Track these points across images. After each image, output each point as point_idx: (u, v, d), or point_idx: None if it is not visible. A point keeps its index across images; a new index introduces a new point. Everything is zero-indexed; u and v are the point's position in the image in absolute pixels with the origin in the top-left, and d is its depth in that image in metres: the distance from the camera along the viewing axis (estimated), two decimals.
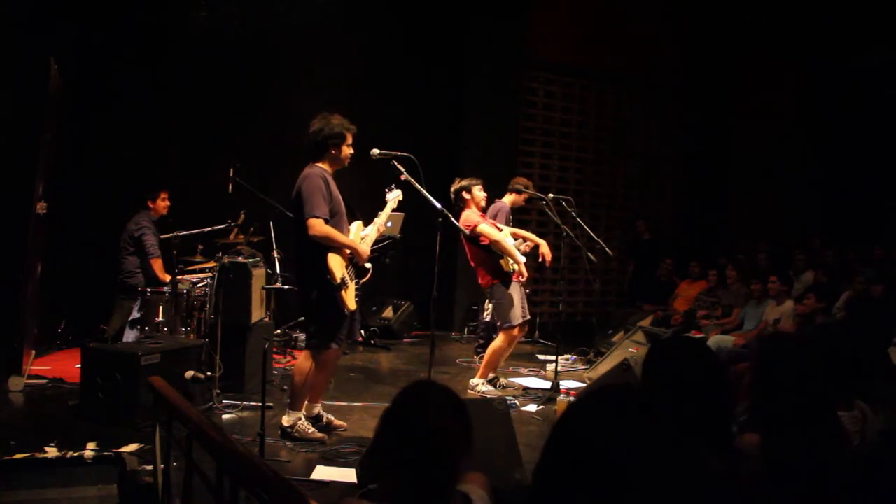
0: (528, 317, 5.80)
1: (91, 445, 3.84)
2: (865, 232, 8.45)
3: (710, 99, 10.40)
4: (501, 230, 5.67)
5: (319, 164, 4.31)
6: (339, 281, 4.13)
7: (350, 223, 4.47)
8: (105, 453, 3.52)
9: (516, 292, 5.63)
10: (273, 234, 6.61)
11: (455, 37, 8.81)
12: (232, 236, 6.14)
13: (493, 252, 5.59)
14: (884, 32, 8.59)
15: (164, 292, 5.71)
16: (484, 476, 1.76)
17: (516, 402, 5.36)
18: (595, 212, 10.00)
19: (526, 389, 5.94)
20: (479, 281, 5.73)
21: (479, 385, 5.71)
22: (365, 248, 4.41)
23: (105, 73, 7.01)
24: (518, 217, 6.94)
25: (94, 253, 6.71)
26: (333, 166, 4.37)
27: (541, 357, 7.35)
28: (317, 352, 4.27)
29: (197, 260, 6.11)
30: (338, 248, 4.21)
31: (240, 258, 5.46)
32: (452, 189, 5.80)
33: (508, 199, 6.14)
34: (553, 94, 9.71)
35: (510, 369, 6.71)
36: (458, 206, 5.76)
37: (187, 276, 5.90)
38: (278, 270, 6.41)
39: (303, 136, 4.39)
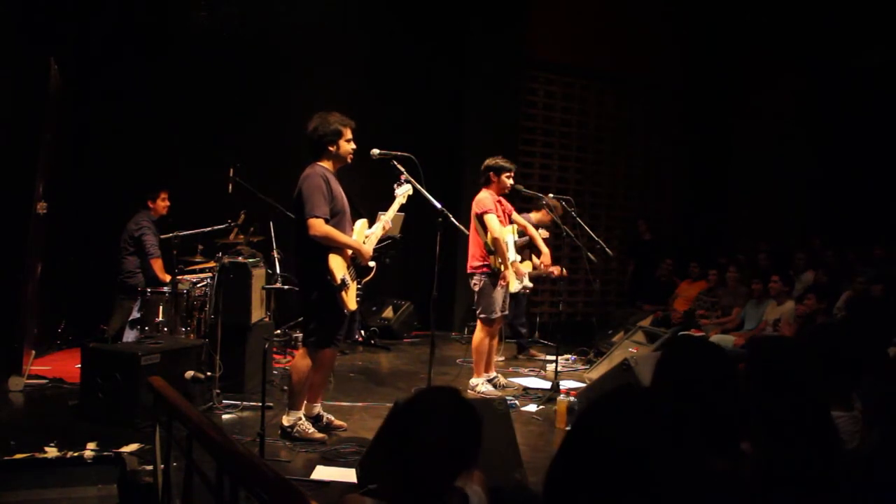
0: (506, 311, 5.84)
1: (91, 445, 3.84)
2: (865, 232, 8.45)
3: (710, 99, 10.40)
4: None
5: (321, 163, 4.29)
6: (339, 282, 4.11)
7: (355, 221, 4.45)
8: (105, 453, 3.53)
9: (500, 288, 5.65)
10: (273, 234, 6.60)
11: (455, 37, 8.81)
12: (232, 236, 6.14)
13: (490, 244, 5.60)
14: (884, 32, 8.59)
15: (164, 292, 5.70)
16: (481, 473, 1.76)
17: (516, 402, 5.36)
18: (595, 212, 10.00)
19: (526, 389, 5.94)
20: (469, 262, 5.72)
21: (479, 385, 5.71)
22: (368, 248, 4.38)
23: (105, 73, 7.01)
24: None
25: (94, 253, 6.71)
26: (336, 164, 4.35)
27: (540, 357, 7.34)
28: (314, 350, 4.27)
29: (197, 260, 6.11)
30: (339, 248, 4.20)
31: (240, 258, 5.46)
32: (486, 163, 5.78)
33: (535, 216, 6.22)
34: (553, 94, 9.71)
35: (510, 369, 6.71)
36: (481, 179, 5.77)
37: (187, 276, 5.90)
38: (278, 270, 6.41)
39: (303, 136, 4.38)
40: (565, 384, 5.91)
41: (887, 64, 8.60)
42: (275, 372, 5.93)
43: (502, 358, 7.07)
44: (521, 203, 8.51)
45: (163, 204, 6.36)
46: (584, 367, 6.95)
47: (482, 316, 5.65)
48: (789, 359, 1.92)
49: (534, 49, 9.19)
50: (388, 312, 8.23)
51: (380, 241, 4.69)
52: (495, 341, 6.04)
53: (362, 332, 7.78)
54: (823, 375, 1.93)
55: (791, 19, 9.41)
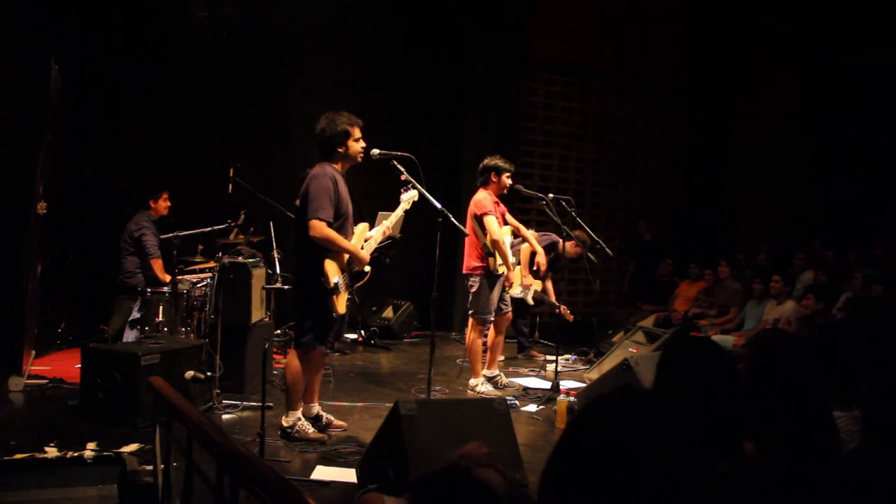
0: (504, 309, 5.85)
1: (91, 445, 3.84)
2: (865, 232, 8.46)
3: (710, 99, 10.40)
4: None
5: (330, 164, 4.28)
6: (332, 285, 4.11)
7: (356, 224, 4.45)
8: (105, 453, 3.54)
9: (496, 289, 5.66)
10: (273, 234, 6.60)
11: (455, 37, 8.81)
12: (232, 236, 6.14)
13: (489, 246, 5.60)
14: (883, 32, 8.59)
15: (164, 292, 5.71)
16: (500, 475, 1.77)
17: (516, 402, 5.36)
18: (595, 212, 10.01)
19: (526, 389, 5.94)
20: (465, 263, 5.71)
21: (479, 385, 5.72)
22: (364, 255, 4.36)
23: (105, 73, 7.01)
24: (518, 217, 6.94)
25: (94, 253, 6.72)
26: (345, 164, 4.34)
27: (540, 358, 7.34)
28: (304, 350, 4.27)
29: (197, 260, 6.11)
30: (337, 252, 4.20)
31: (240, 258, 5.46)
32: (484, 163, 5.77)
33: (571, 250, 6.29)
34: (553, 94, 9.71)
35: (510, 369, 6.71)
36: (479, 179, 5.77)
37: (187, 276, 5.90)
38: (278, 270, 6.41)
39: (302, 136, 4.39)
40: (565, 384, 5.91)
41: (887, 64, 8.61)
42: (275, 372, 5.93)
43: (502, 358, 7.06)
44: (520, 203, 8.56)
45: (164, 204, 6.36)
46: (584, 367, 6.95)
47: (476, 316, 5.65)
48: (789, 359, 1.92)
49: (534, 49, 9.19)
50: (388, 312, 8.23)
51: (380, 241, 4.69)
52: (500, 338, 6.02)
53: (362, 332, 7.78)
54: (823, 375, 1.93)
55: (791, 19, 9.41)
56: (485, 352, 5.89)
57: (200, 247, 6.17)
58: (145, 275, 6.13)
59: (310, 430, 4.33)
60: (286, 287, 5.42)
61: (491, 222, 5.51)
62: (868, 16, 8.62)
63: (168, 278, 5.88)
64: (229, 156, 6.32)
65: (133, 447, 3.89)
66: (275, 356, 6.32)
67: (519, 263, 6.55)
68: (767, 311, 6.91)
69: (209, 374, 4.83)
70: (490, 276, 5.60)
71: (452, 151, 8.70)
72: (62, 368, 5.73)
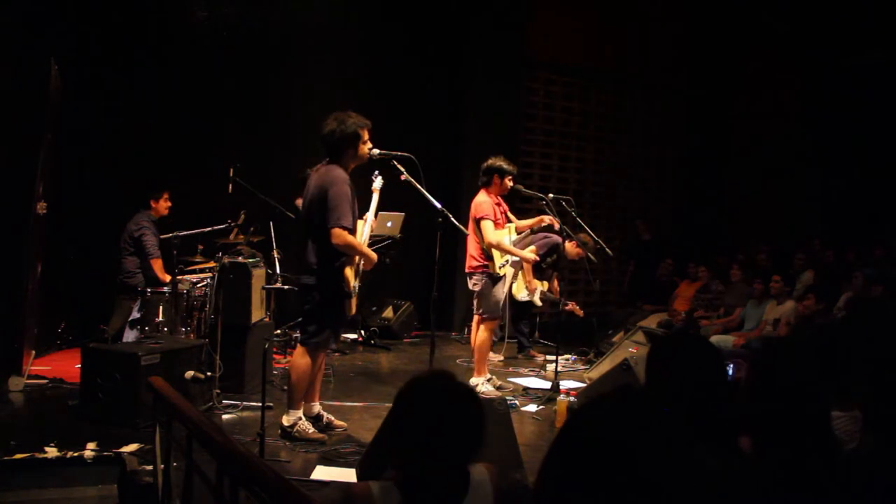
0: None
1: (91, 445, 3.84)
2: (865, 232, 8.45)
3: (710, 99, 10.40)
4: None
5: (338, 166, 4.27)
6: (351, 289, 4.23)
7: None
8: (105, 453, 3.54)
9: (500, 289, 5.66)
10: (273, 234, 6.60)
11: (455, 37, 8.81)
12: (232, 236, 6.14)
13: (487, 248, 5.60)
14: (883, 32, 8.59)
15: (164, 292, 5.71)
16: (496, 469, 1.77)
17: (516, 402, 5.37)
18: (595, 212, 10.01)
19: (526, 389, 5.94)
20: (467, 261, 5.71)
21: (480, 385, 5.71)
22: (375, 255, 4.44)
23: (105, 73, 7.01)
24: (518, 217, 6.94)
25: (94, 253, 6.72)
26: (352, 164, 4.37)
27: (540, 358, 7.34)
28: (314, 350, 4.29)
29: (197, 260, 6.11)
30: (353, 256, 4.24)
31: (240, 258, 5.46)
32: (488, 163, 5.76)
33: (571, 250, 6.29)
34: (553, 94, 9.71)
35: (510, 369, 6.71)
36: (481, 179, 5.76)
37: (187, 276, 5.89)
38: (278, 270, 6.41)
39: (301, 136, 4.39)
40: (565, 384, 5.91)
41: (887, 64, 8.61)
42: (275, 372, 5.93)
43: (501, 358, 7.07)
44: (520, 203, 8.55)
45: (165, 204, 6.36)
46: (584, 367, 6.95)
47: (486, 316, 5.65)
48: (789, 360, 1.92)
49: (534, 49, 9.20)
50: (388, 312, 8.23)
51: (380, 241, 4.72)
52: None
53: (362, 332, 7.78)
54: (822, 376, 1.93)
55: (791, 19, 9.41)
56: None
57: (200, 247, 6.17)
58: (145, 275, 6.13)
59: (310, 429, 4.33)
60: (286, 287, 5.42)
61: (487, 227, 5.51)
62: (868, 16, 8.61)
63: (168, 278, 5.88)
64: (229, 156, 6.32)
65: (133, 447, 3.89)
66: (275, 356, 6.31)
67: (522, 268, 6.56)
68: (767, 312, 6.90)
69: (209, 374, 4.83)
70: (492, 276, 5.60)
71: (452, 151, 8.70)
72: (62, 368, 5.73)
